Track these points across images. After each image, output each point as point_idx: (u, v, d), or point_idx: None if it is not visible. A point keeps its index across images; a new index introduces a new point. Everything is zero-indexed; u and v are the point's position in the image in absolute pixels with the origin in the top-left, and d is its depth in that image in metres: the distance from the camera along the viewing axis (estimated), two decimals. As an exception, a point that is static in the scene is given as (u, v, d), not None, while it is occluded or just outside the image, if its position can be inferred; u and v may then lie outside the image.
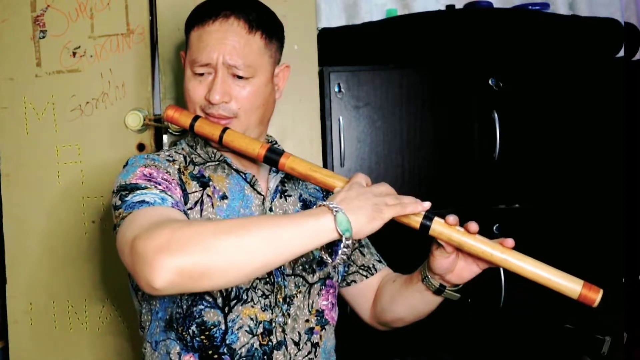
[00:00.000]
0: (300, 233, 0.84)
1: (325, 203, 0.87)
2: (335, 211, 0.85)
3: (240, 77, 1.04)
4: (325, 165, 1.64)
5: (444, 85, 1.70)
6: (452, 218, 0.95)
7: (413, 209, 0.91)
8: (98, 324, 1.57)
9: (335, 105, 1.65)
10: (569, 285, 0.92)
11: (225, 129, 1.03)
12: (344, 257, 0.88)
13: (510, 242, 0.95)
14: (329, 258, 0.92)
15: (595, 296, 0.91)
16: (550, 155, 1.72)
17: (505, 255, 0.93)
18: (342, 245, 0.86)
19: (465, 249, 0.95)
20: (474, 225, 0.95)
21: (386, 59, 1.70)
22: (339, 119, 1.65)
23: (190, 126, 1.06)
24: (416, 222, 0.94)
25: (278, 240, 0.83)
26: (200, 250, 0.79)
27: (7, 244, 1.55)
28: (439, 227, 0.94)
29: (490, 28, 1.73)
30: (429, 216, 0.94)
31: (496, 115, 1.67)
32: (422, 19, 1.76)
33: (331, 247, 0.92)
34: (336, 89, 1.65)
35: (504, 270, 1.65)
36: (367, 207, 0.87)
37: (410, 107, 1.68)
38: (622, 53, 1.83)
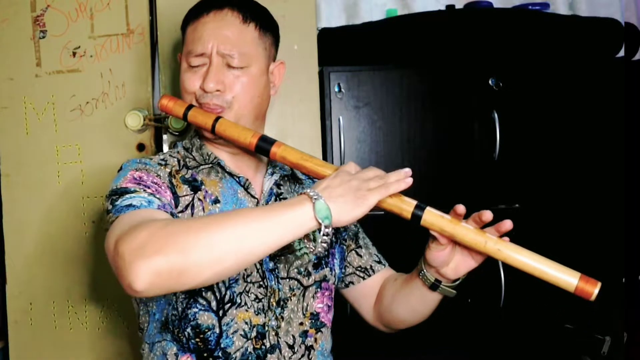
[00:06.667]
0: (278, 224, 0.83)
1: (305, 191, 0.86)
2: (315, 199, 0.84)
3: (234, 67, 1.04)
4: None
5: (444, 85, 1.70)
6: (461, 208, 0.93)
7: (396, 188, 0.89)
8: (98, 324, 1.57)
9: (335, 105, 1.65)
10: (565, 278, 0.88)
11: (218, 118, 1.03)
12: (325, 244, 0.86)
13: (508, 223, 0.92)
14: (312, 247, 0.90)
15: (593, 289, 0.86)
16: (550, 155, 1.72)
17: (498, 246, 0.90)
18: (321, 233, 0.84)
19: (458, 240, 0.92)
20: (461, 208, 0.92)
21: (386, 59, 1.70)
22: (339, 119, 1.65)
23: (184, 115, 1.06)
24: (408, 212, 0.91)
25: (255, 233, 0.82)
26: (175, 250, 0.79)
27: (7, 244, 1.55)
28: (431, 217, 0.91)
29: (490, 28, 1.73)
30: (420, 206, 0.91)
31: (496, 115, 1.67)
32: (422, 19, 1.76)
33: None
34: (336, 89, 1.65)
35: (504, 269, 1.67)
36: (349, 194, 0.86)
37: (410, 107, 1.68)
38: (622, 53, 1.83)
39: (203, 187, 1.06)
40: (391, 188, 0.88)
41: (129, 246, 0.80)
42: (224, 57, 1.04)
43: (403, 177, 0.90)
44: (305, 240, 0.91)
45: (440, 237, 0.94)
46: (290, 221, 0.84)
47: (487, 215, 0.92)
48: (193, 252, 0.79)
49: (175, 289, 0.82)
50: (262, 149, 1.01)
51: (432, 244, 0.98)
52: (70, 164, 1.55)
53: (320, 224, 0.84)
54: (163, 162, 1.07)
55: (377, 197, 0.87)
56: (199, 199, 1.04)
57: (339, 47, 1.72)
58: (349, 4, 2.05)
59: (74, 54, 1.54)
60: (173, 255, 0.78)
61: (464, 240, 0.92)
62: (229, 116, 1.05)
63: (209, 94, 1.04)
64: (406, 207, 0.91)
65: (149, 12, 1.56)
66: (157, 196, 0.96)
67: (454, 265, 0.99)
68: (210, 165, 1.08)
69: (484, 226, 0.94)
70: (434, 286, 1.02)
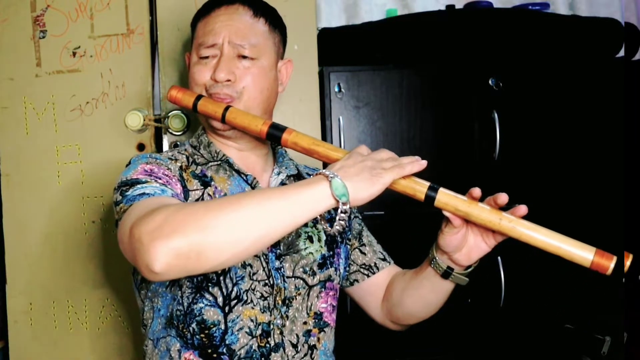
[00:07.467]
0: (296, 203, 0.84)
1: (321, 171, 0.87)
2: (331, 177, 0.85)
3: (245, 57, 1.06)
4: (324, 165, 1.64)
5: (444, 85, 1.70)
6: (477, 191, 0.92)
7: (411, 169, 0.90)
8: (98, 324, 1.57)
9: (335, 105, 1.65)
10: (580, 253, 0.88)
11: (228, 107, 1.04)
12: (342, 222, 0.87)
13: (522, 209, 0.92)
14: (328, 227, 0.91)
15: (609, 263, 0.87)
16: (551, 155, 1.72)
17: (513, 223, 0.90)
18: (339, 210, 0.85)
19: (473, 219, 0.92)
20: (477, 191, 0.92)
21: (386, 59, 1.70)
22: (339, 119, 1.65)
23: (194, 105, 1.06)
24: (421, 193, 0.92)
25: (273, 211, 0.82)
26: (193, 230, 0.78)
27: (7, 244, 1.55)
28: (445, 197, 0.92)
29: (490, 28, 1.73)
30: (434, 187, 0.92)
31: (496, 115, 1.67)
32: (422, 19, 1.76)
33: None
34: (336, 89, 1.65)
35: (504, 269, 1.67)
36: (364, 172, 0.87)
37: (410, 107, 1.68)
38: (622, 53, 1.84)
39: (213, 183, 1.06)
40: (406, 168, 0.90)
41: (146, 228, 0.79)
42: (235, 47, 1.05)
43: (416, 161, 0.91)
44: (322, 222, 0.93)
45: (454, 218, 0.94)
46: (307, 200, 0.84)
47: (503, 197, 0.92)
48: (212, 231, 0.79)
49: (193, 271, 0.81)
50: (273, 136, 1.01)
51: (445, 228, 0.98)
52: (70, 164, 1.55)
53: (337, 202, 0.84)
54: (173, 158, 1.08)
55: (392, 176, 0.88)
56: (209, 195, 1.04)
57: (339, 47, 1.72)
58: (349, 4, 2.05)
59: (74, 54, 1.54)
60: (192, 234, 0.78)
61: (479, 219, 0.91)
62: (239, 106, 1.06)
63: (219, 84, 1.05)
64: (420, 188, 0.92)
65: (149, 12, 1.56)
66: (169, 187, 0.96)
67: (466, 250, 0.99)
68: (218, 162, 1.09)
69: None
70: (446, 274, 1.02)
